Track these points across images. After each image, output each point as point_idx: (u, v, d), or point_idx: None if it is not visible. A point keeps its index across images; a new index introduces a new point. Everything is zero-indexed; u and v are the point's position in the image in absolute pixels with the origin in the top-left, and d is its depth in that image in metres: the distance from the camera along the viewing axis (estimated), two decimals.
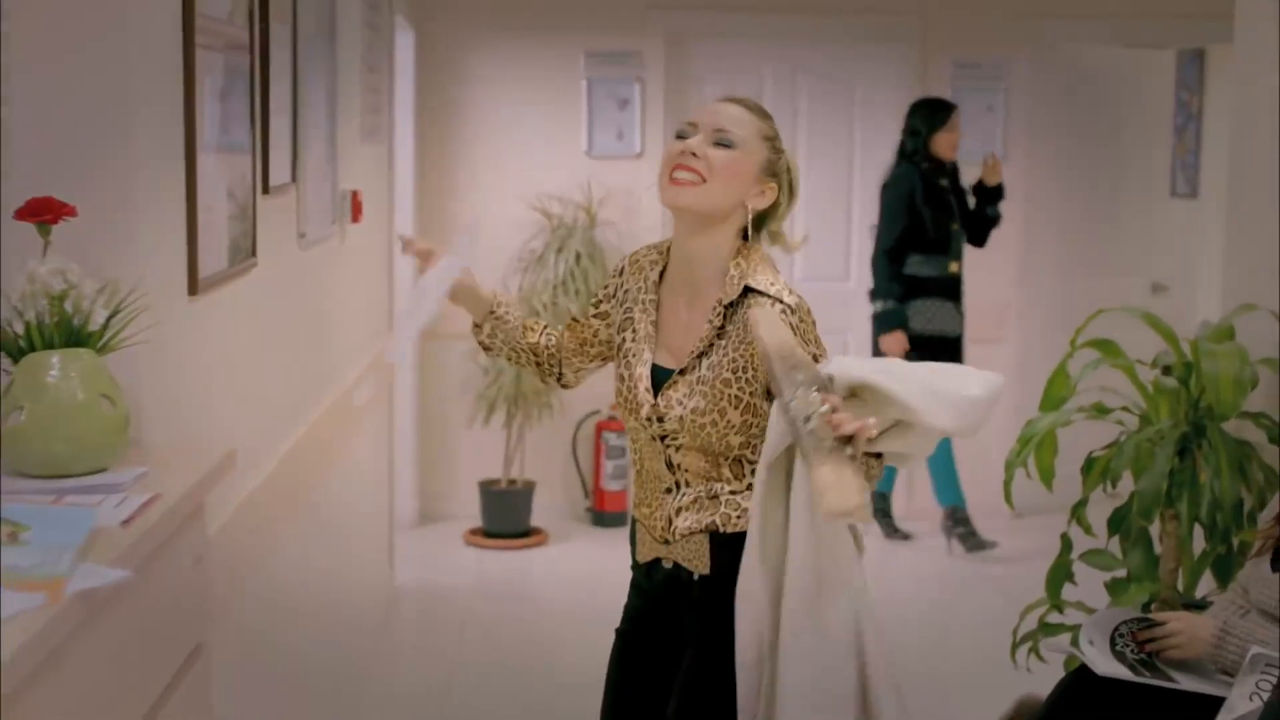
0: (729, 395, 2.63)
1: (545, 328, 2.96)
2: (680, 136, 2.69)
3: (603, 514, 6.92)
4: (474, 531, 6.70)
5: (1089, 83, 7.29)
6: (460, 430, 6.87)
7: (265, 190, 3.24)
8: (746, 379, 2.62)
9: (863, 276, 7.15)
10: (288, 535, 3.63)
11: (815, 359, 2.58)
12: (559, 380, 2.97)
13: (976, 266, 7.08)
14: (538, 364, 2.93)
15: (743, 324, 2.62)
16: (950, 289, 6.45)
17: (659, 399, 2.69)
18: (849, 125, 7.12)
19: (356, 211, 4.45)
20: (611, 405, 6.90)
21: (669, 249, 2.78)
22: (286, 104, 3.48)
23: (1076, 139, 7.27)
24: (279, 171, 3.38)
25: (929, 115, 6.41)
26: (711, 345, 2.66)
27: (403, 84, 6.54)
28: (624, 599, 2.89)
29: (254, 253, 3.10)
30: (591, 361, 2.93)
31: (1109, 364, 3.66)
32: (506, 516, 6.65)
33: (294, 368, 3.71)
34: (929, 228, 6.31)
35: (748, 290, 2.65)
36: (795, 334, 2.57)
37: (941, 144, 6.39)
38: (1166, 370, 3.63)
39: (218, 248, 2.78)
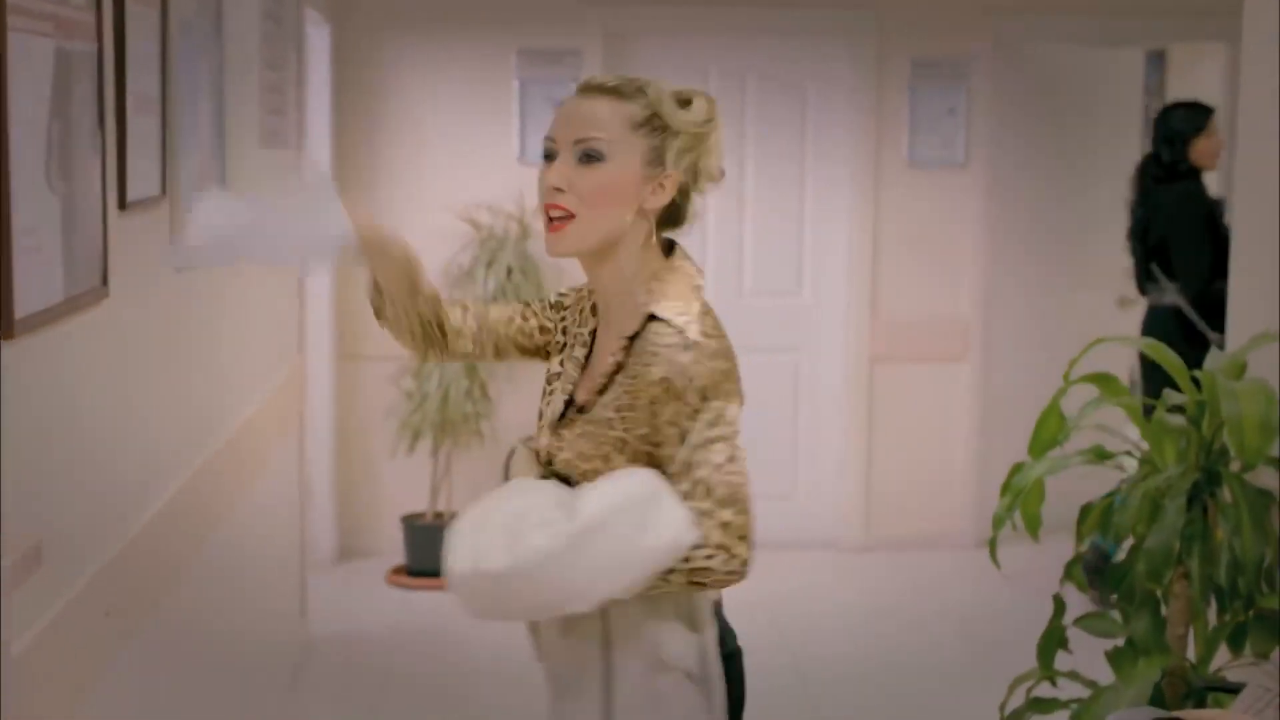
0: (612, 438, 2.21)
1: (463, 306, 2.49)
2: (546, 156, 2.27)
3: None
4: (397, 570, 6.19)
5: (1055, 83, 6.86)
6: (382, 460, 6.35)
7: (122, 206, 2.73)
8: (629, 419, 2.19)
9: (818, 289, 6.69)
10: (177, 588, 3.18)
11: (719, 416, 2.15)
12: (440, 347, 2.45)
13: (933, 281, 6.65)
14: (424, 323, 2.43)
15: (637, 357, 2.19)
16: None
17: (553, 438, 2.30)
18: (800, 127, 6.64)
19: None
20: None
21: None
22: (154, 103, 2.96)
23: (1042, 143, 6.83)
24: (143, 183, 2.86)
25: (1189, 119, 5.76)
26: (610, 381, 2.24)
27: (317, 84, 6.02)
28: (737, 646, 2.36)
29: (104, 281, 2.58)
30: (500, 342, 2.47)
31: (1111, 402, 3.19)
32: (433, 553, 6.08)
33: (170, 405, 3.20)
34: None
35: (652, 318, 2.21)
36: (686, 378, 2.14)
37: (1203, 152, 5.72)
38: (1176, 409, 3.17)
39: (46, 279, 2.26)
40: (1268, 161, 3.39)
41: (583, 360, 2.35)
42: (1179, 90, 8.88)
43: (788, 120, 6.63)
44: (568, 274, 6.37)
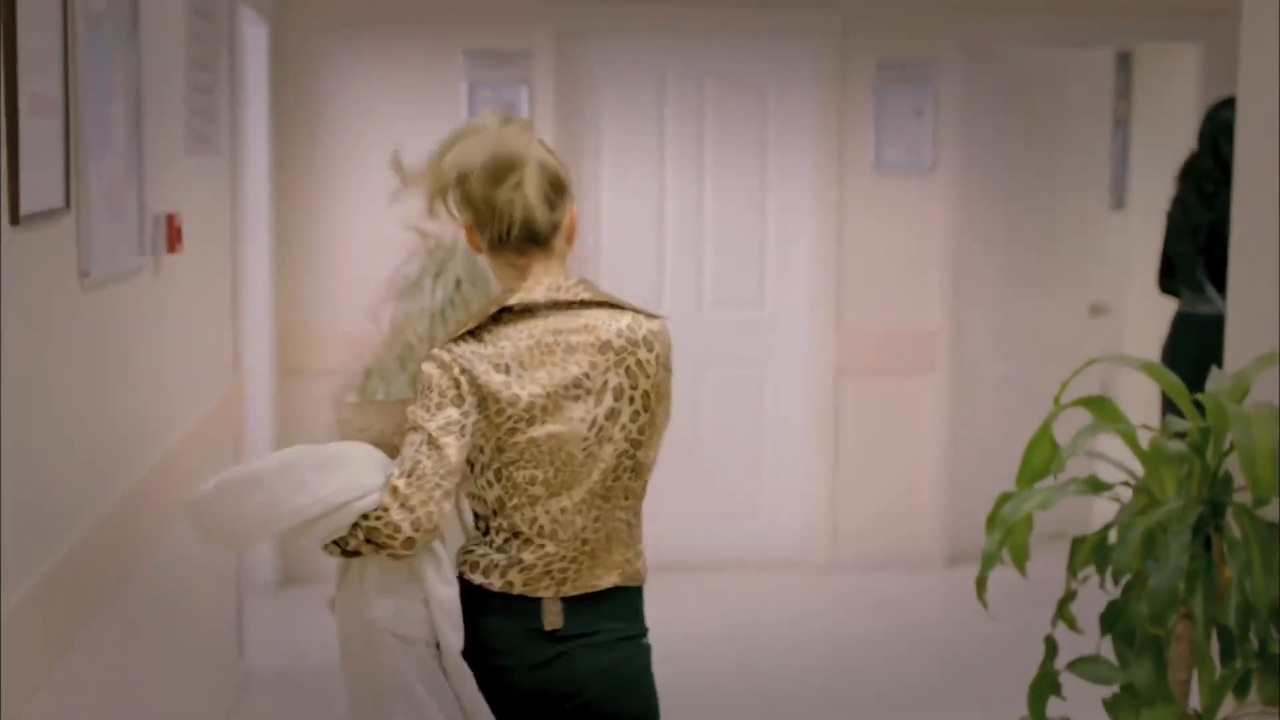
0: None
1: None
2: None
3: None
4: None
5: (1024, 85, 6.63)
6: None
7: (15, 221, 2.43)
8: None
9: (781, 300, 6.43)
10: (98, 624, 2.94)
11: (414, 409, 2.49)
12: None
13: (900, 290, 6.41)
14: None
15: None
16: None
17: None
18: (761, 131, 6.38)
19: (173, 239, 3.63)
20: None
21: None
22: (54, 104, 2.66)
23: (1011, 147, 6.60)
24: (40, 194, 2.57)
25: None
26: None
27: (254, 86, 5.73)
28: (520, 666, 2.56)
29: None
30: None
31: (1107, 428, 2.94)
32: None
33: (85, 433, 2.91)
34: None
35: None
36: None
37: None
38: (1178, 436, 2.92)
39: None
40: (1268, 171, 3.15)
41: None
42: (1146, 92, 8.68)
43: (748, 123, 6.37)
44: None
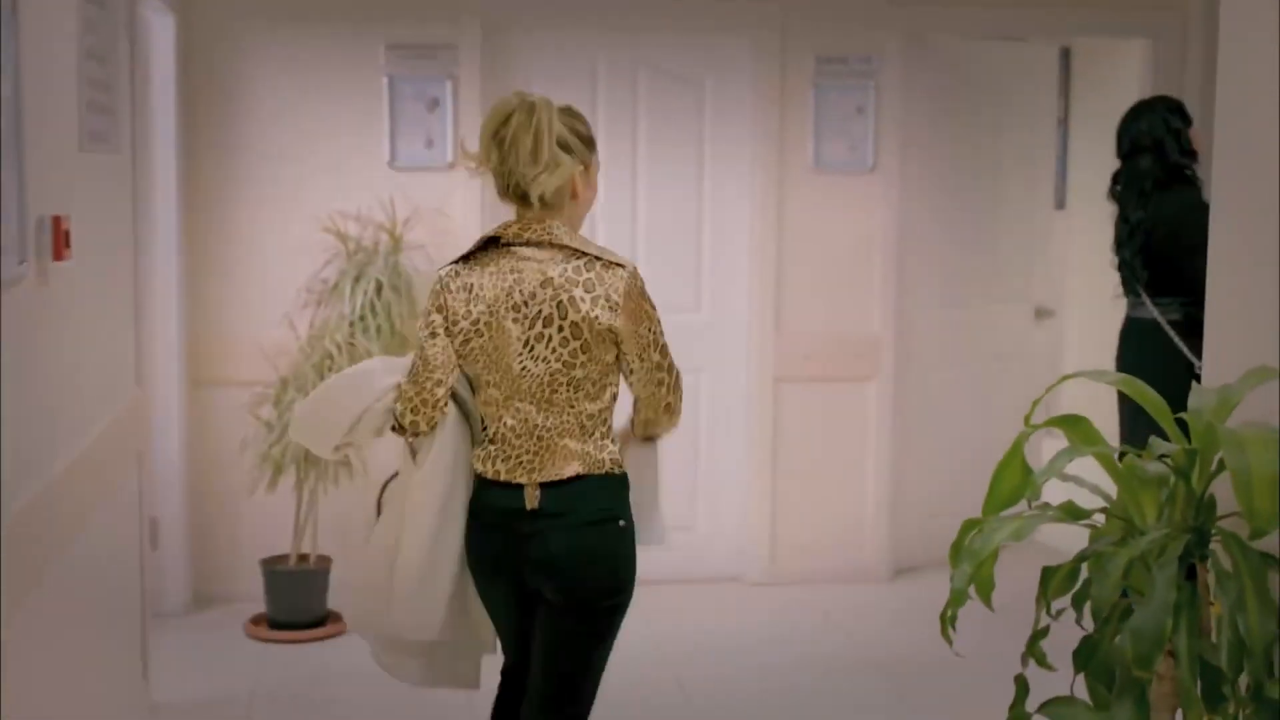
0: None
1: None
2: None
3: None
4: (257, 620, 5.57)
5: (967, 81, 6.41)
6: (239, 497, 5.72)
7: None
8: None
9: (718, 304, 6.18)
10: None
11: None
12: None
13: (841, 294, 6.17)
14: None
15: None
16: None
17: None
18: (697, 128, 6.12)
19: (60, 244, 3.31)
20: None
21: None
22: None
23: (954, 145, 6.38)
24: None
25: (1183, 111, 5.33)
26: None
27: (160, 80, 5.41)
28: (510, 537, 3.20)
29: None
30: None
31: (1083, 451, 2.69)
32: (296, 601, 5.53)
33: None
34: None
35: None
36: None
37: (1198, 143, 5.29)
38: (1163, 459, 2.68)
39: None
40: (1249, 177, 2.92)
41: None
42: (1086, 89, 8.52)
43: (683, 120, 6.11)
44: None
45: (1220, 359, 3.03)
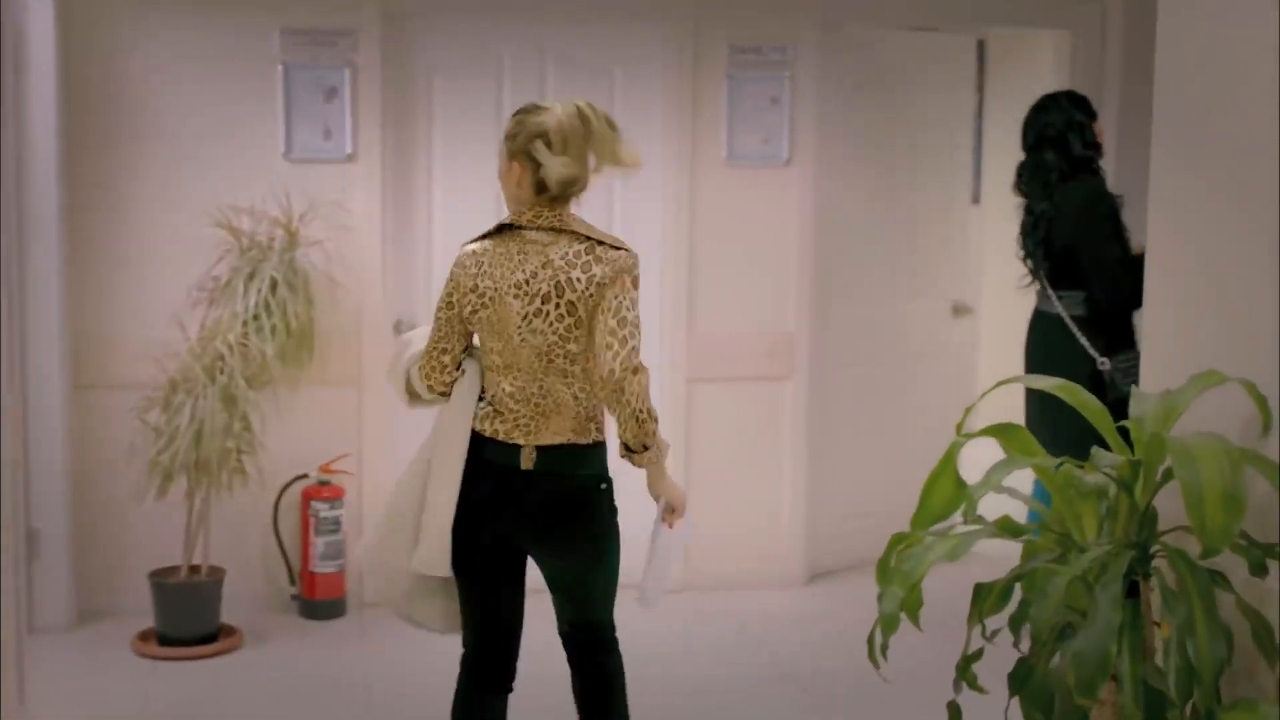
0: None
1: None
2: None
3: (314, 603, 5.62)
4: (145, 636, 5.30)
5: (884, 72, 6.26)
6: (126, 506, 5.44)
7: None
8: None
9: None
10: None
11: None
12: None
13: (755, 291, 6.00)
14: None
15: None
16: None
17: None
18: None
19: None
20: (321, 468, 5.58)
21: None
22: None
23: (871, 138, 6.23)
24: None
25: (1087, 106, 5.32)
26: None
27: (38, 68, 5.14)
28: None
29: None
30: None
31: (1021, 463, 2.53)
32: (188, 615, 5.28)
33: None
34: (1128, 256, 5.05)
35: None
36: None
37: (1102, 137, 5.30)
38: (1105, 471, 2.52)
39: None
40: (1190, 172, 2.78)
41: None
42: (1000, 81, 8.42)
43: None
44: (341, 288, 5.56)
45: (1158, 362, 2.89)
